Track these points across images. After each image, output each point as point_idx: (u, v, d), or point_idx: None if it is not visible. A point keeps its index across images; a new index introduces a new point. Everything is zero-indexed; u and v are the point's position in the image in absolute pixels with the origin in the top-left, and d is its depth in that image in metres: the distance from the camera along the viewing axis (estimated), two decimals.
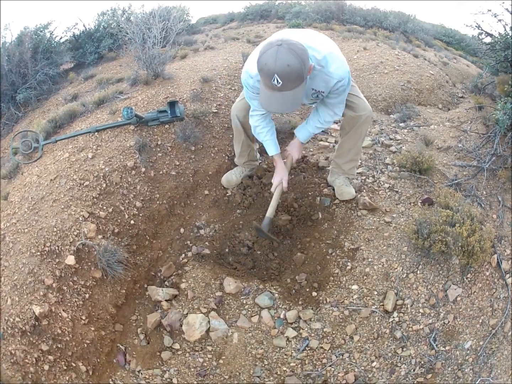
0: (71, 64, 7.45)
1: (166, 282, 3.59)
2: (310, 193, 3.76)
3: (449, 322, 2.85)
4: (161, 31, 4.72)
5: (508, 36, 3.46)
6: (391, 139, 4.15)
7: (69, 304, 2.93)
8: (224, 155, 4.23)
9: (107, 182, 3.73)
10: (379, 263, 3.23)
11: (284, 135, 4.38)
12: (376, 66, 5.34)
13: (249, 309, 3.21)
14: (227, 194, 4.07)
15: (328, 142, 4.31)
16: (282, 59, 2.39)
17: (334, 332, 3.01)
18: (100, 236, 3.41)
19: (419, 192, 3.66)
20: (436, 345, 2.77)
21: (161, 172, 3.99)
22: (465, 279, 3.02)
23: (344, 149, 3.59)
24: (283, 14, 10.89)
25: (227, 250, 3.74)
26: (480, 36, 3.98)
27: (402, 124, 4.28)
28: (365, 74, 5.39)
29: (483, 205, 3.52)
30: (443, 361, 2.74)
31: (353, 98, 3.28)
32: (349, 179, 3.76)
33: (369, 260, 3.25)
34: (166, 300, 3.32)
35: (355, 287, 3.17)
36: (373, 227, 3.44)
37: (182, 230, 3.88)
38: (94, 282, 3.16)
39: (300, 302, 3.20)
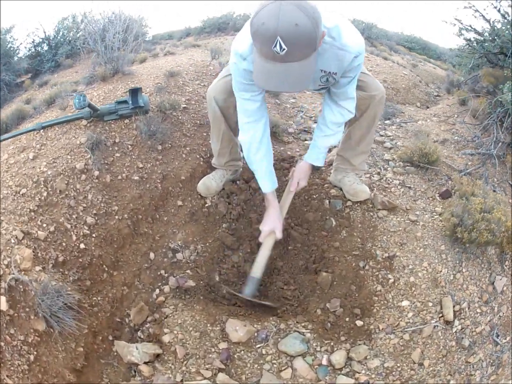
0: (29, 75, 5.94)
1: (139, 333, 2.13)
2: (315, 196, 2.57)
3: (504, 313, 2.21)
4: (119, 35, 3.44)
5: (509, 26, 2.87)
6: (381, 135, 3.18)
7: (11, 369, 1.60)
8: (198, 156, 2.89)
9: (49, 189, 2.23)
10: (422, 269, 2.15)
11: None
12: None
13: (274, 361, 1.87)
14: (206, 205, 2.71)
15: None
16: (287, 17, 1.41)
17: (399, 364, 1.86)
18: (38, 268, 1.89)
19: (433, 186, 2.67)
20: (500, 340, 2.11)
21: (119, 177, 2.50)
22: (505, 268, 2.37)
23: (354, 139, 2.45)
24: (241, 26, 9.40)
25: (217, 278, 2.38)
26: (460, 32, 3.37)
27: (388, 122, 3.37)
28: None
29: (498, 191, 2.81)
30: (508, 352, 2.08)
31: (362, 76, 2.16)
32: (359, 176, 2.66)
33: (410, 267, 2.15)
34: (146, 363, 1.92)
35: (405, 303, 2.03)
36: (400, 229, 2.34)
37: (152, 255, 2.41)
38: (37, 338, 1.73)
39: (343, 338, 1.94)
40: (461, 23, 3.22)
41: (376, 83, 2.31)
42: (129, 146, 2.67)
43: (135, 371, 1.87)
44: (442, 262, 2.23)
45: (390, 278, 2.15)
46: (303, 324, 2.03)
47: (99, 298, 2.15)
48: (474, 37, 3.27)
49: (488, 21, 3.03)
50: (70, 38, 5.94)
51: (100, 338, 2.03)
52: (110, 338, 2.05)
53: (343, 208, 2.51)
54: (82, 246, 2.20)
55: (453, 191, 2.62)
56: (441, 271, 2.18)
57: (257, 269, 2.19)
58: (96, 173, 2.47)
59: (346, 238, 2.36)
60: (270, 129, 3.12)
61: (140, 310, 2.16)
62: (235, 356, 1.92)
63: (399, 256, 2.24)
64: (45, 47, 5.31)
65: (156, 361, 1.93)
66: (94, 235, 2.28)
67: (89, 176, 2.44)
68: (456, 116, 3.27)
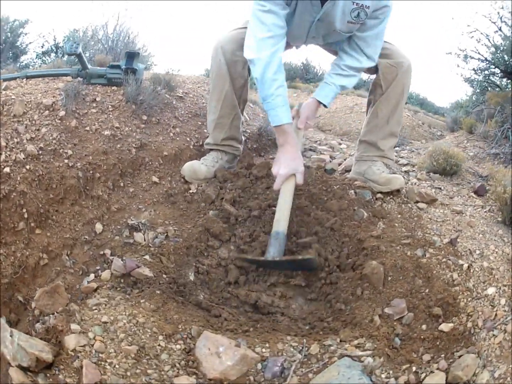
0: None
1: (38, 325, 1.06)
2: (335, 187, 1.75)
3: None
4: None
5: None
6: (395, 157, 2.58)
7: None
8: (188, 139, 2.07)
9: (4, 111, 1.51)
10: (491, 252, 1.35)
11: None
12: (352, 108, 3.96)
13: None
14: (190, 191, 1.84)
15: (325, 153, 2.58)
16: None
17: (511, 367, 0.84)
18: None
19: (463, 188, 1.95)
20: None
21: (87, 128, 1.66)
22: None
23: (381, 117, 1.77)
24: None
25: (192, 277, 1.39)
26: (466, 60, 3.14)
27: (397, 148, 2.84)
28: (340, 114, 3.90)
29: None
30: None
31: (386, 45, 1.67)
32: (388, 167, 1.89)
33: (478, 252, 1.33)
34: (22, 368, 0.81)
35: (491, 290, 1.15)
36: (448, 218, 1.57)
37: (99, 226, 1.42)
38: None
39: (428, 356, 0.93)
40: (465, 52, 2.99)
41: (403, 52, 1.77)
42: (110, 106, 1.88)
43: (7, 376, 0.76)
44: (507, 245, 1.41)
45: (462, 264, 1.26)
46: (355, 343, 1.02)
47: (0, 252, 1.09)
48: (478, 65, 3.03)
49: (493, 44, 2.81)
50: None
51: None
52: (3, 322, 0.94)
53: (373, 200, 1.70)
54: (6, 170, 1.23)
55: (487, 188, 1.91)
56: (508, 254, 1.33)
57: (281, 223, 1.38)
58: (62, 113, 1.64)
59: (386, 229, 1.49)
60: (274, 140, 2.50)
61: (52, 291, 1.09)
62: None
63: (460, 242, 1.38)
64: (53, 56, 4.74)
65: (40, 373, 0.82)
66: (27, 167, 1.32)
67: (52, 114, 1.61)
68: (466, 141, 2.75)
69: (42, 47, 4.62)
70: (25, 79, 1.96)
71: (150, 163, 1.80)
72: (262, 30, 1.42)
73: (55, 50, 4.42)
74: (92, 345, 0.96)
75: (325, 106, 1.64)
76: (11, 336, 0.87)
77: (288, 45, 1.73)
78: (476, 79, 3.09)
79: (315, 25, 1.52)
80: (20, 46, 4.18)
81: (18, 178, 1.26)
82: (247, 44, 1.48)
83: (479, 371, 0.90)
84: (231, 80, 1.72)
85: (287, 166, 1.42)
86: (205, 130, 2.11)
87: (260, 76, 1.43)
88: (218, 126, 1.84)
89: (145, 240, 1.47)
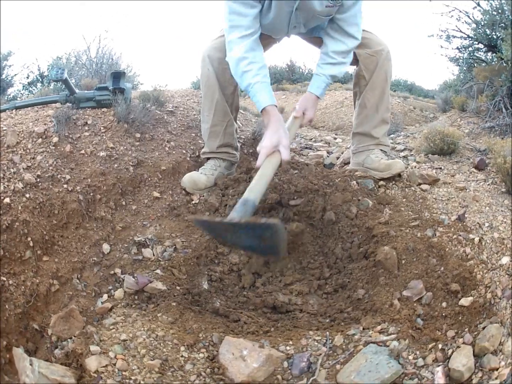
0: None
1: (57, 350, 1.04)
2: (337, 180, 1.73)
3: None
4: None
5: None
6: (391, 143, 2.58)
7: None
8: (184, 152, 2.07)
9: None
10: (500, 223, 1.35)
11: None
12: (341, 102, 3.97)
13: None
14: (193, 202, 1.79)
15: (321, 149, 2.58)
16: None
17: None
18: None
19: (464, 165, 1.93)
20: None
21: (82, 151, 1.66)
22: None
23: (369, 106, 1.80)
24: None
25: (206, 285, 1.38)
26: (449, 40, 3.15)
27: (393, 135, 2.84)
28: (331, 109, 3.89)
29: None
30: None
31: (364, 33, 1.67)
32: (386, 154, 1.88)
33: (487, 224, 1.34)
34: None
35: (505, 259, 1.15)
36: (453, 196, 1.58)
37: (106, 247, 1.41)
38: None
39: (452, 332, 0.93)
40: (447, 31, 3.00)
41: (380, 39, 1.81)
42: (102, 128, 1.88)
43: None
44: None
45: (473, 238, 1.26)
46: (378, 329, 1.02)
47: (10, 283, 1.10)
48: (461, 43, 3.05)
49: (473, 20, 2.82)
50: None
51: (4, 343, 0.94)
52: (22, 351, 0.93)
53: (376, 188, 1.70)
54: (6, 201, 1.23)
55: (487, 161, 1.91)
56: None
57: (252, 192, 1.21)
58: (55, 139, 1.65)
59: (392, 214, 1.49)
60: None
61: (67, 316, 1.08)
62: None
63: (468, 217, 1.38)
64: (39, 85, 4.73)
65: None
66: (27, 195, 1.32)
67: (46, 142, 1.62)
68: (459, 119, 2.75)
69: (27, 77, 4.64)
70: (14, 110, 1.97)
71: (149, 179, 1.80)
72: (231, 32, 1.47)
73: (40, 79, 4.44)
74: (114, 364, 0.94)
75: (318, 97, 1.63)
76: (30, 364, 0.86)
77: (271, 40, 1.76)
78: (462, 57, 3.11)
79: (295, 15, 1.53)
80: (5, 79, 4.19)
81: (19, 208, 1.26)
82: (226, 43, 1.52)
83: (504, 339, 0.89)
84: (220, 88, 1.75)
85: (268, 139, 1.34)
86: (200, 141, 2.12)
87: (234, 71, 1.49)
88: (212, 134, 1.86)
89: (154, 255, 1.46)
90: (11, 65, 4.25)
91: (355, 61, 1.76)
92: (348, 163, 2.02)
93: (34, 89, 4.28)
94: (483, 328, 0.95)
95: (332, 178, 1.76)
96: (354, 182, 1.71)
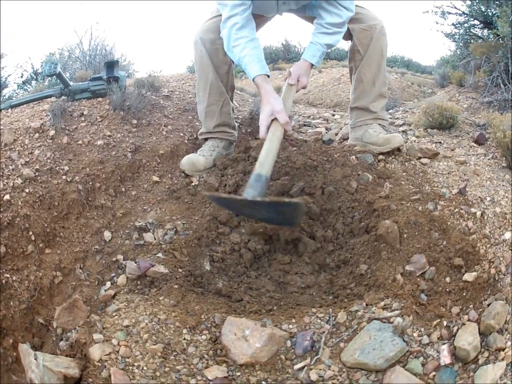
0: None
1: (62, 342, 1.01)
2: (336, 155, 1.65)
3: None
4: None
5: None
6: (390, 118, 2.46)
7: None
8: (182, 135, 1.99)
9: None
10: (501, 197, 1.27)
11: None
12: (338, 79, 3.79)
13: None
14: (192, 183, 1.76)
15: (320, 126, 2.48)
16: None
17: None
18: None
19: (463, 139, 1.83)
20: None
21: (80, 142, 1.60)
22: None
23: (366, 81, 1.70)
24: None
25: (208, 267, 1.33)
26: (444, 16, 2.98)
27: (391, 110, 2.73)
28: (328, 87, 3.73)
29: None
30: None
31: (358, 9, 1.59)
32: (385, 128, 1.78)
33: (489, 199, 1.26)
34: None
35: (508, 234, 1.08)
36: (453, 170, 1.49)
37: (107, 234, 1.36)
38: None
39: (457, 309, 0.87)
40: (441, 8, 2.82)
41: (373, 14, 1.70)
42: (98, 117, 1.80)
43: None
44: None
45: (475, 212, 1.19)
46: (382, 305, 0.96)
47: (14, 279, 1.06)
48: (457, 20, 2.87)
49: None
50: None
51: (11, 341, 0.90)
52: (27, 347, 0.90)
53: (376, 162, 1.62)
54: (6, 197, 1.18)
55: (487, 136, 1.81)
56: None
57: (264, 167, 1.20)
58: (52, 132, 1.58)
59: (393, 188, 1.41)
60: None
61: (71, 307, 1.04)
62: None
63: (469, 191, 1.30)
64: (33, 83, 4.60)
65: None
66: (27, 190, 1.27)
67: (43, 136, 1.55)
68: (458, 94, 2.61)
69: (21, 77, 4.49)
70: (10, 109, 1.90)
71: (147, 164, 1.73)
72: (223, 10, 1.43)
73: (35, 77, 4.30)
74: (118, 352, 0.91)
75: (313, 65, 1.53)
76: (35, 359, 0.83)
77: (263, 18, 1.66)
78: (458, 33, 2.94)
79: None
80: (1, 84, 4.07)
81: (19, 203, 1.20)
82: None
83: (510, 318, 0.83)
84: (214, 68, 1.67)
85: (264, 109, 1.32)
86: (197, 123, 2.03)
87: (226, 47, 1.45)
88: (208, 114, 1.77)
89: (155, 239, 1.41)
90: (4, 67, 4.12)
91: (349, 36, 1.67)
92: (347, 139, 1.92)
93: (29, 87, 4.15)
94: (488, 305, 0.89)
95: (331, 153, 1.68)
96: (353, 157, 1.63)
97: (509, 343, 0.77)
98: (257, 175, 1.19)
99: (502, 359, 0.74)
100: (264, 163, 1.21)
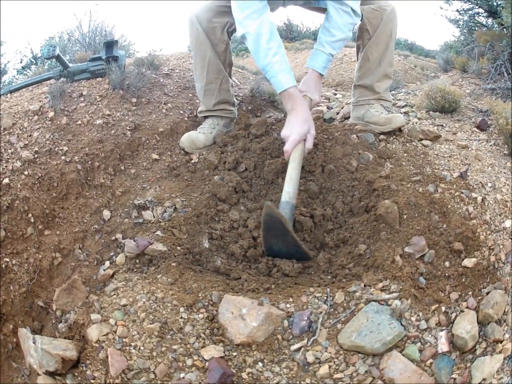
0: None
1: (61, 325, 0.97)
2: (337, 133, 1.52)
3: None
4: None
5: None
6: (392, 100, 2.33)
7: None
8: (182, 112, 1.88)
9: None
10: (503, 184, 1.19)
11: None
12: (341, 59, 3.56)
13: (339, 376, 0.70)
14: (192, 161, 1.66)
15: (321, 104, 2.35)
16: None
17: None
18: None
19: (465, 124, 1.72)
20: None
21: (79, 122, 1.50)
22: None
23: (372, 60, 1.58)
24: None
25: (207, 244, 1.25)
26: (448, 2, 2.79)
27: (393, 92, 2.59)
28: (331, 66, 3.46)
29: None
30: None
31: None
32: (387, 109, 1.66)
33: (490, 185, 1.17)
34: (50, 373, 0.71)
35: (508, 223, 1.01)
36: (455, 153, 1.39)
37: (106, 213, 1.29)
38: None
39: (456, 295, 0.80)
40: None
41: None
42: (98, 97, 1.69)
43: None
44: None
45: (476, 197, 1.10)
46: (380, 286, 0.89)
47: (13, 262, 1.00)
48: (461, 6, 2.68)
49: None
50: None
51: (11, 327, 0.86)
52: (26, 331, 0.86)
53: (377, 142, 1.51)
54: (6, 181, 1.11)
55: (489, 122, 1.69)
56: None
57: (290, 194, 1.18)
58: (51, 114, 1.48)
59: (393, 168, 1.32)
60: (268, 99, 2.28)
61: (70, 288, 0.99)
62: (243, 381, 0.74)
63: (471, 175, 1.21)
64: (33, 68, 4.40)
65: (68, 374, 0.73)
66: (26, 172, 1.19)
67: (42, 118, 1.46)
68: (461, 79, 2.46)
69: (20, 62, 4.28)
70: (9, 94, 1.79)
71: (147, 142, 1.64)
72: (243, 8, 1.29)
73: (34, 61, 4.09)
74: (115, 332, 0.86)
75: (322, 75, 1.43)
76: (34, 342, 0.78)
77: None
78: (462, 19, 2.74)
79: None
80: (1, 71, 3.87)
81: (19, 186, 1.14)
82: (236, 22, 1.34)
83: (508, 309, 0.76)
84: (212, 46, 1.55)
85: (299, 127, 1.24)
86: (197, 101, 1.91)
87: (254, 48, 1.30)
88: (207, 92, 1.65)
89: (154, 217, 1.34)
90: (3, 54, 3.89)
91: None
92: (348, 118, 1.80)
93: (28, 72, 3.95)
94: (487, 293, 0.82)
95: (331, 131, 1.57)
96: (354, 135, 1.52)
97: (507, 335, 0.72)
98: (291, 205, 1.18)
99: (500, 352, 0.68)
100: (290, 190, 1.20)
